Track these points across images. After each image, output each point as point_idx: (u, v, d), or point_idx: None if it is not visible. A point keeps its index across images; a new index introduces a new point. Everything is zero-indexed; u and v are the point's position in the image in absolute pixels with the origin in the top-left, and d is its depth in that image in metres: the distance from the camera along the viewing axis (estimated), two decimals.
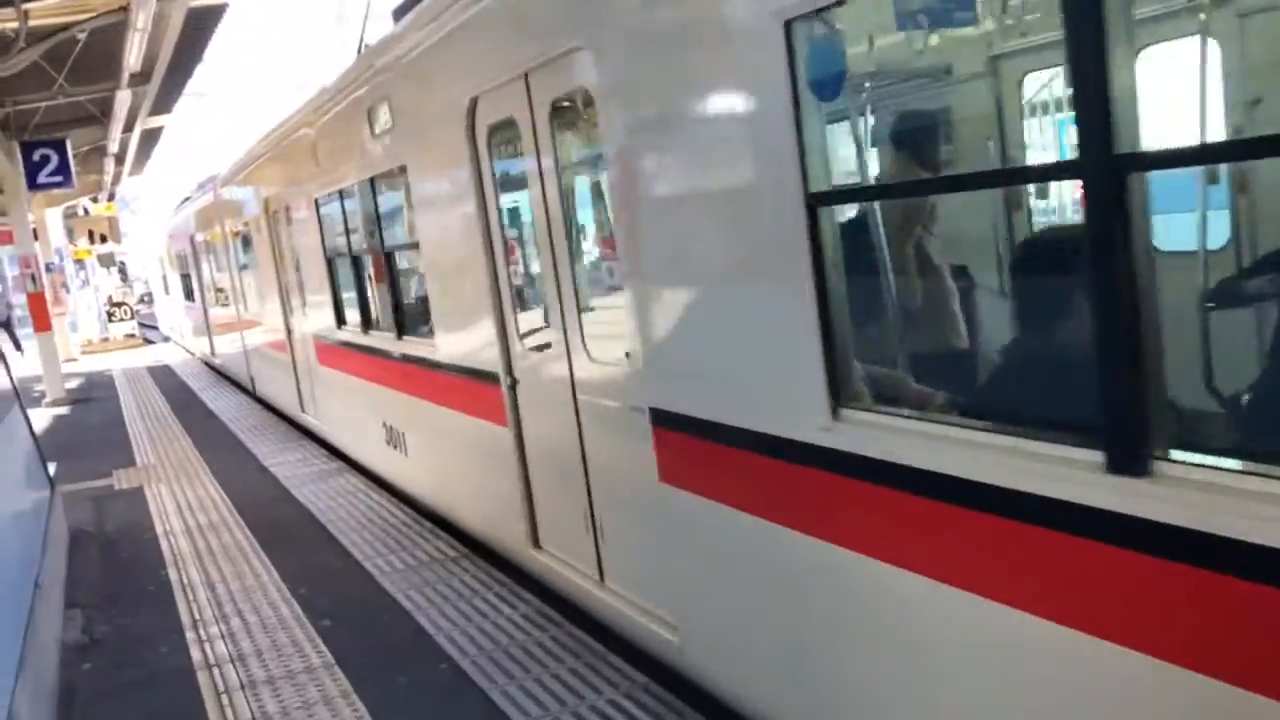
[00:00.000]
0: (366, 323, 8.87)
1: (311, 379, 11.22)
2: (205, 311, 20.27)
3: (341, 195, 8.83)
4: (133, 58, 10.80)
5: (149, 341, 34.12)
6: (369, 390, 8.83)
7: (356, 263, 8.97)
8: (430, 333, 7.14)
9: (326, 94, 8.57)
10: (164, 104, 17.93)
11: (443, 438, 7.26)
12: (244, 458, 11.37)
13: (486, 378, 6.01)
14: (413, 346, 7.58)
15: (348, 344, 9.39)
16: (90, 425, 15.43)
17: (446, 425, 7.02)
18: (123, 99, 12.12)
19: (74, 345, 28.84)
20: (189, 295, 23.04)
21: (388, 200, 7.98)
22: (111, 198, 33.18)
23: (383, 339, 8.34)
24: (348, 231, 9.08)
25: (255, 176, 12.28)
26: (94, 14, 10.04)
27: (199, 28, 12.28)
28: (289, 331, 11.81)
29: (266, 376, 14.27)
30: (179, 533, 8.51)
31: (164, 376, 21.34)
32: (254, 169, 12.23)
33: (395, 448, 8.49)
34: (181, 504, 9.51)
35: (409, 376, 7.67)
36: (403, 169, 6.96)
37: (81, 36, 10.37)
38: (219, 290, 17.88)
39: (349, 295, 9.47)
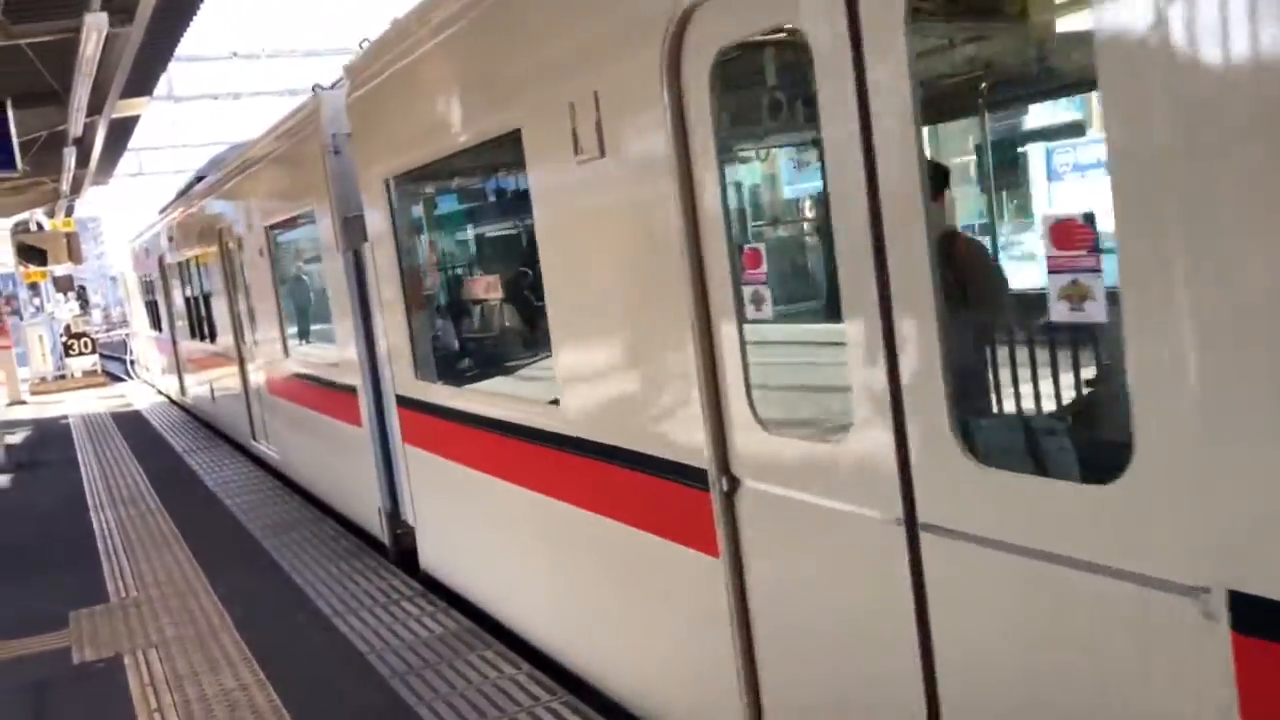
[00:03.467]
0: None
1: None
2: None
3: None
4: None
5: (113, 378, 29.46)
6: None
7: None
8: None
9: None
10: (146, 75, 13.60)
11: None
12: (284, 590, 7.04)
13: None
14: None
15: None
16: (36, 511, 10.99)
17: None
18: (93, 29, 7.86)
19: (21, 385, 24.27)
20: (200, 330, 14.63)
21: None
22: (70, 212, 28.66)
23: None
24: None
25: None
26: None
27: None
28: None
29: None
30: None
31: (134, 428, 16.86)
32: None
33: None
34: (198, 713, 5.19)
35: None
36: None
37: None
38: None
39: None
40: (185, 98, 32.49)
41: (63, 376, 26.49)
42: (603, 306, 4.17)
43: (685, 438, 3.70)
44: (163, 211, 17.22)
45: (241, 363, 11.96)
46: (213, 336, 13.59)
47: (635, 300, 3.96)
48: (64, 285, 29.30)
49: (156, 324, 20.30)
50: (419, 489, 6.80)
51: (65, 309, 32.23)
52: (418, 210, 6.76)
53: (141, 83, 14.20)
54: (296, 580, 7.27)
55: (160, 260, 17.58)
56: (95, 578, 7.95)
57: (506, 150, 4.83)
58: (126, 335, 48.73)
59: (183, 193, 15.33)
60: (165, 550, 8.54)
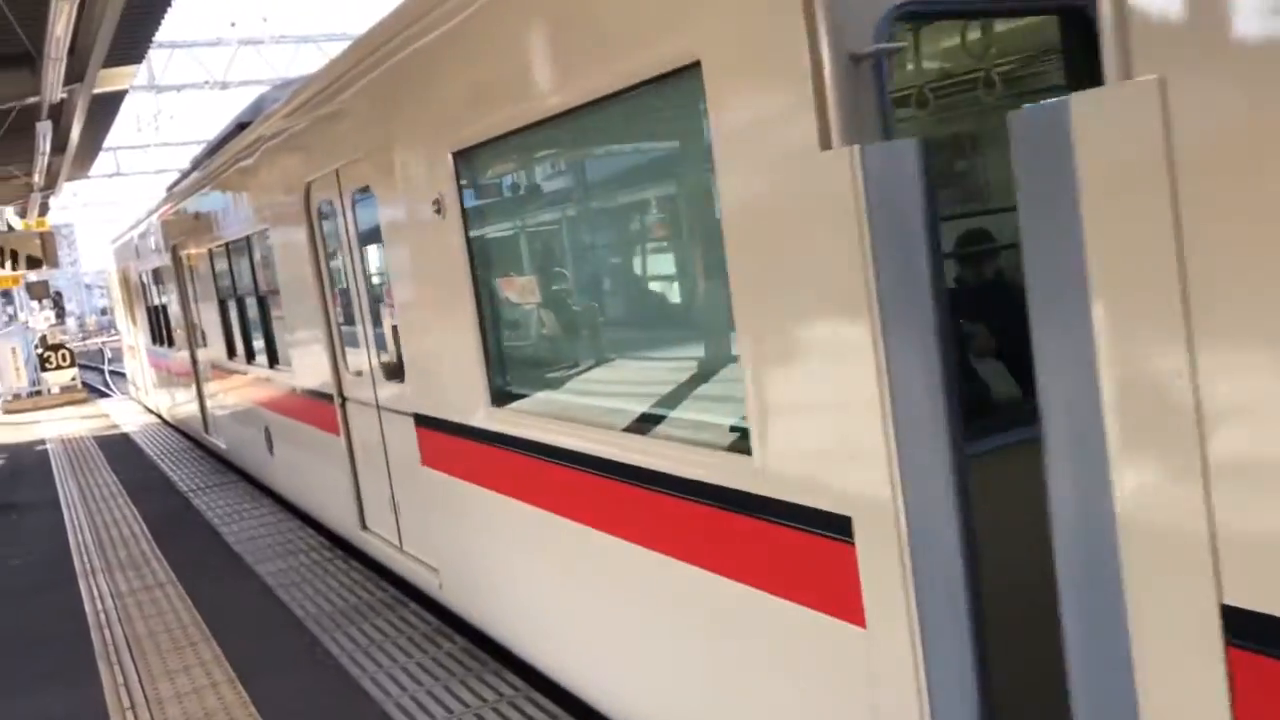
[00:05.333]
0: None
1: None
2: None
3: None
4: None
5: (96, 392, 26.99)
6: None
7: None
8: None
9: None
10: (135, 34, 11.27)
11: None
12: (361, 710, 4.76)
13: None
14: None
15: None
16: (8, 578, 8.63)
17: None
18: None
19: None
20: (247, 348, 10.27)
21: None
22: (44, 210, 26.18)
23: None
24: None
25: None
26: None
27: None
28: None
29: None
30: None
31: (124, 456, 14.46)
32: None
33: None
34: None
35: None
36: None
37: None
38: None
39: None
40: (167, 87, 30.12)
41: (39, 393, 24.01)
42: None
43: None
44: (173, 189, 13.11)
45: (343, 406, 7.44)
46: (272, 358, 9.31)
47: None
48: (39, 292, 26.76)
49: (162, 336, 15.36)
50: None
51: (40, 318, 29.73)
52: None
53: (129, 45, 11.85)
54: (388, 709, 4.98)
55: (175, 251, 12.98)
56: (93, 699, 5.63)
57: None
58: (103, 344, 46.06)
59: (210, 153, 10.97)
60: (187, 651, 6.21)
